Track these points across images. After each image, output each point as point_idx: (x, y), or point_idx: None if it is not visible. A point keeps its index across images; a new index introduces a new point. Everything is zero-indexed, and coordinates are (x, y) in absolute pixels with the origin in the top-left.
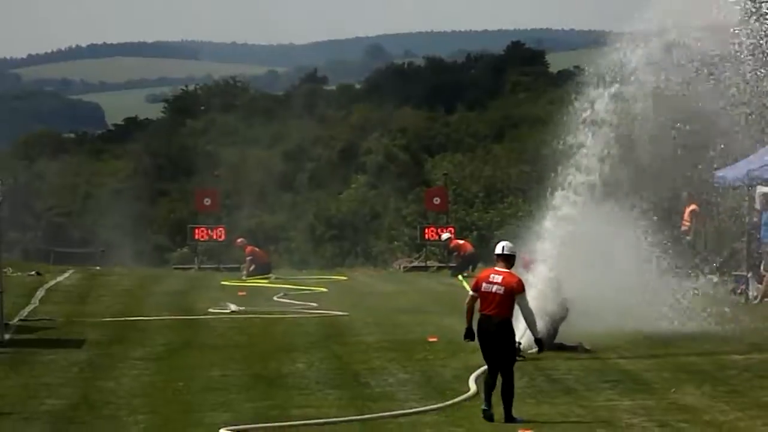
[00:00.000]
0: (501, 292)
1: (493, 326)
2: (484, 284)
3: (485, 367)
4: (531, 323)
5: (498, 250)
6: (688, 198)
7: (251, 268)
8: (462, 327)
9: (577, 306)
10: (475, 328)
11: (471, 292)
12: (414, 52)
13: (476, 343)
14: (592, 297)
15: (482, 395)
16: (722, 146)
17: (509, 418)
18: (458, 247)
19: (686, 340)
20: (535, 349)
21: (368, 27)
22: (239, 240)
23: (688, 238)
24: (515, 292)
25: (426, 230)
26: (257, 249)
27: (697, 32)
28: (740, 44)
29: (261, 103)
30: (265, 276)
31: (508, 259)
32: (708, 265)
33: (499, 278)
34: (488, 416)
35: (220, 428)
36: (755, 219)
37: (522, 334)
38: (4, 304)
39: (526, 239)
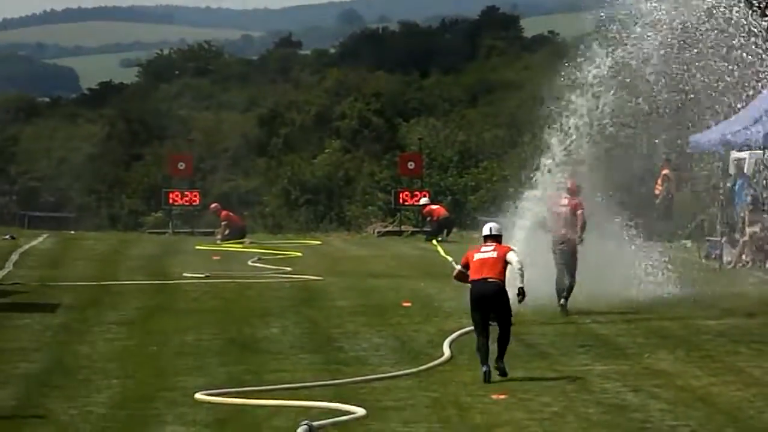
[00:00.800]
0: (495, 255)
1: (491, 288)
2: (475, 255)
3: (462, 330)
4: (521, 274)
5: (485, 231)
6: (663, 163)
7: (226, 233)
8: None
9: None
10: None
11: (459, 267)
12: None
13: (450, 307)
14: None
15: (480, 359)
16: (695, 111)
17: (501, 359)
18: (432, 212)
19: (660, 306)
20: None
21: None
22: (213, 205)
23: (657, 202)
24: (507, 252)
25: (400, 194)
26: (231, 213)
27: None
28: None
29: (235, 67)
30: (240, 240)
31: (496, 239)
32: (682, 230)
33: (491, 247)
34: (489, 378)
35: (195, 392)
36: (729, 184)
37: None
38: None
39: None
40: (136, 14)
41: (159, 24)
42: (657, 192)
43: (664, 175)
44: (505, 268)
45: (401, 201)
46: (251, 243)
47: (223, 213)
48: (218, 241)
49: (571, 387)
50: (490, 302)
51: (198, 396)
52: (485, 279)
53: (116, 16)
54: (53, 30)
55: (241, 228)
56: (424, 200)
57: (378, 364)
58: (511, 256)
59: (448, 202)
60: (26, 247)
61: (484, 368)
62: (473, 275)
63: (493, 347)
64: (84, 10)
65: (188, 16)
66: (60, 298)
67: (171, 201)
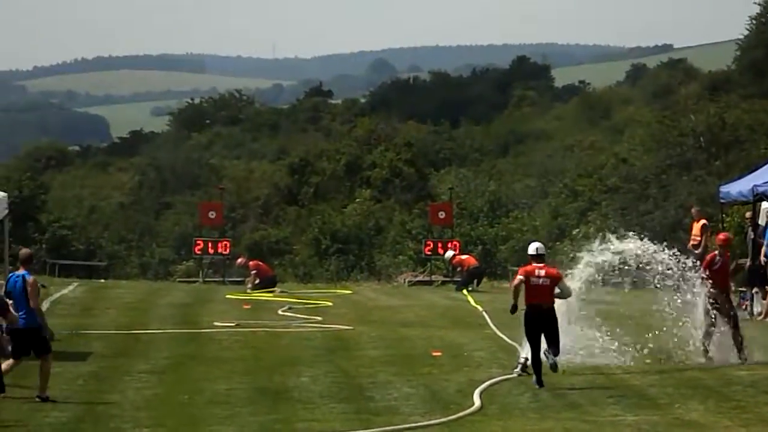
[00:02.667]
0: (547, 283)
1: (544, 311)
2: (532, 278)
3: (492, 380)
4: (566, 297)
5: (532, 251)
6: (696, 213)
7: (256, 282)
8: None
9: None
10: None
11: (520, 277)
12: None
13: (480, 356)
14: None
15: (535, 370)
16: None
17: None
18: (462, 262)
19: (690, 356)
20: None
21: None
22: (239, 260)
23: (697, 252)
24: (557, 279)
25: (427, 245)
26: (261, 263)
27: None
28: None
29: (266, 116)
30: (271, 290)
31: (542, 258)
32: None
33: (542, 272)
34: (556, 368)
35: None
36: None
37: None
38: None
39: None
40: (167, 63)
41: (190, 72)
42: (694, 242)
43: (702, 225)
44: (553, 292)
45: (428, 252)
46: (281, 292)
47: (252, 263)
48: (248, 291)
49: None
50: (543, 324)
51: None
52: (539, 305)
53: (147, 65)
54: (84, 78)
55: (272, 277)
56: (449, 253)
57: (408, 414)
58: (561, 285)
59: (479, 252)
60: (57, 295)
61: (538, 382)
62: (529, 299)
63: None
64: (115, 59)
65: (219, 65)
66: (91, 347)
67: (201, 250)
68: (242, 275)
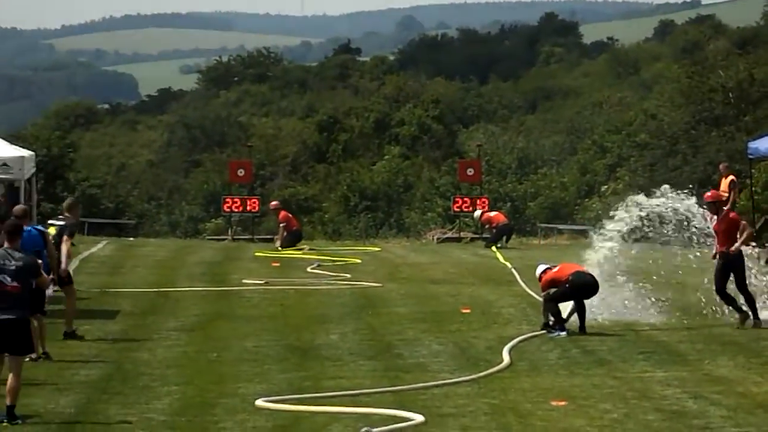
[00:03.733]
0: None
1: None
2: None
3: (521, 337)
4: None
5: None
6: (724, 169)
7: (284, 234)
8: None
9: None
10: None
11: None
12: (447, 23)
13: (509, 313)
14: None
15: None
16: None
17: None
18: (490, 219)
19: (720, 311)
20: None
21: None
22: (273, 203)
23: (726, 207)
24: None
25: (455, 202)
26: (290, 215)
27: None
28: None
29: (294, 74)
30: (299, 248)
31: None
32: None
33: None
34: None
35: (255, 399)
36: None
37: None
38: None
39: None
40: (194, 21)
41: (218, 30)
42: (723, 198)
43: (732, 180)
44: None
45: (456, 209)
46: (310, 250)
47: (282, 214)
48: (278, 248)
49: (631, 394)
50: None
51: (258, 403)
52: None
53: (175, 23)
54: (112, 37)
55: (298, 231)
56: (477, 212)
57: (437, 371)
58: None
59: (508, 209)
60: (86, 253)
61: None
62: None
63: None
64: (143, 17)
65: (247, 23)
66: (119, 305)
67: (230, 208)
68: (271, 232)
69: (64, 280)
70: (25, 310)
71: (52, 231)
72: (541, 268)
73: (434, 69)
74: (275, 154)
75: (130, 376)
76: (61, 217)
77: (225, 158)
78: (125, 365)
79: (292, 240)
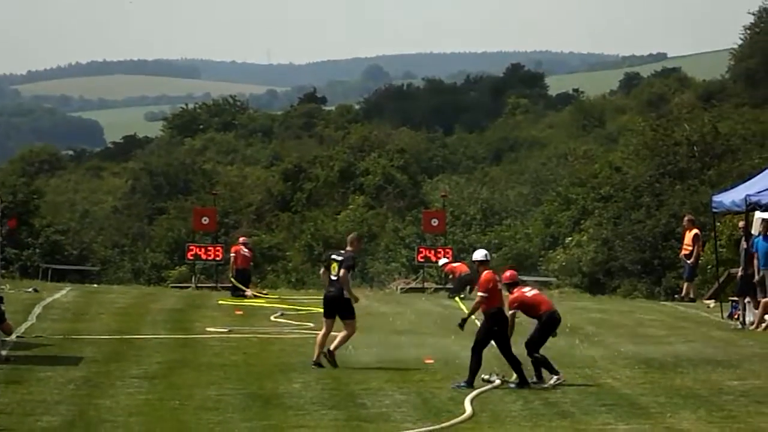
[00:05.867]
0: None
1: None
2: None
3: (483, 388)
4: None
5: (480, 257)
6: (687, 222)
7: (234, 268)
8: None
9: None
10: None
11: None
12: (413, 73)
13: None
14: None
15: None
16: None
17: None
18: (454, 270)
19: (682, 365)
20: None
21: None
22: (242, 238)
23: (689, 262)
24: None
25: (420, 252)
26: (243, 254)
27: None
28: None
29: (260, 122)
30: (259, 291)
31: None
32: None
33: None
34: None
35: None
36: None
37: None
38: None
39: None
40: (161, 68)
41: (184, 78)
42: (685, 252)
43: (695, 234)
44: None
45: (420, 259)
46: (277, 298)
47: (235, 248)
48: (231, 277)
49: None
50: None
51: None
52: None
53: (142, 70)
54: (78, 83)
55: (246, 273)
56: (443, 260)
57: (400, 421)
58: None
59: (471, 260)
60: (49, 299)
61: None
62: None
63: None
64: (109, 63)
65: (214, 71)
66: (83, 352)
67: (194, 255)
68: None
69: None
70: None
71: None
72: (481, 252)
73: (400, 118)
74: (240, 202)
75: (92, 423)
76: None
77: (189, 205)
78: (88, 412)
79: (241, 281)
